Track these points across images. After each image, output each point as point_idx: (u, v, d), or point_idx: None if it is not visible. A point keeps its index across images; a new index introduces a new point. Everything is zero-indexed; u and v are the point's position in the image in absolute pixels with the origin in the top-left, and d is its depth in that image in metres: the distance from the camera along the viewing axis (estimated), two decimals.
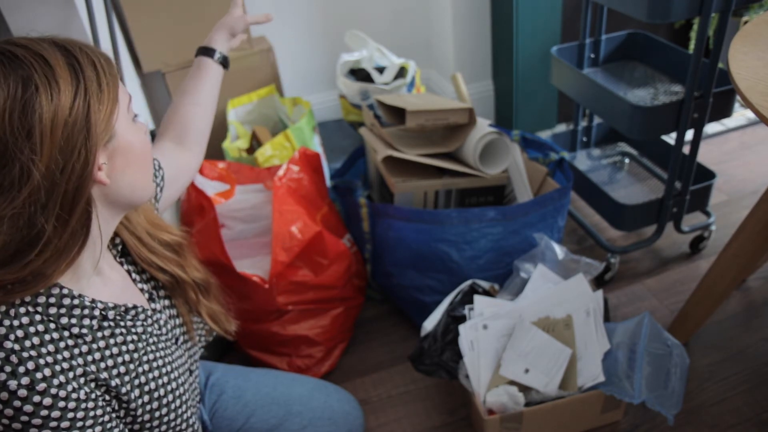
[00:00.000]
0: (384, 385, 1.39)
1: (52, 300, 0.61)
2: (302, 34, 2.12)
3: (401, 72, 1.78)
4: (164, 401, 0.71)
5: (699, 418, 1.24)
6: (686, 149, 1.44)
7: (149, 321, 0.73)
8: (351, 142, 2.04)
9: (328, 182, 1.55)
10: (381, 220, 1.37)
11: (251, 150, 1.71)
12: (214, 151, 1.76)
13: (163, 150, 0.93)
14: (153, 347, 0.72)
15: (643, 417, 1.25)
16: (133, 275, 0.76)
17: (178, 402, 0.73)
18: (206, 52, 0.99)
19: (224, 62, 1.01)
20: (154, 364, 0.71)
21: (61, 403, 0.58)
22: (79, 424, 0.60)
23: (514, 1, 1.83)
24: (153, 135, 1.62)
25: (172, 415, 0.73)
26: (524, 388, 1.14)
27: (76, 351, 0.62)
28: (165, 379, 0.72)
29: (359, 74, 1.81)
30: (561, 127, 2.18)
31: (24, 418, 0.56)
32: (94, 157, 0.58)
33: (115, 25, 1.38)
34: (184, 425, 0.75)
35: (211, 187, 1.37)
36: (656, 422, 1.24)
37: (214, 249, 1.24)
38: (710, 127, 2.13)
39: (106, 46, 1.33)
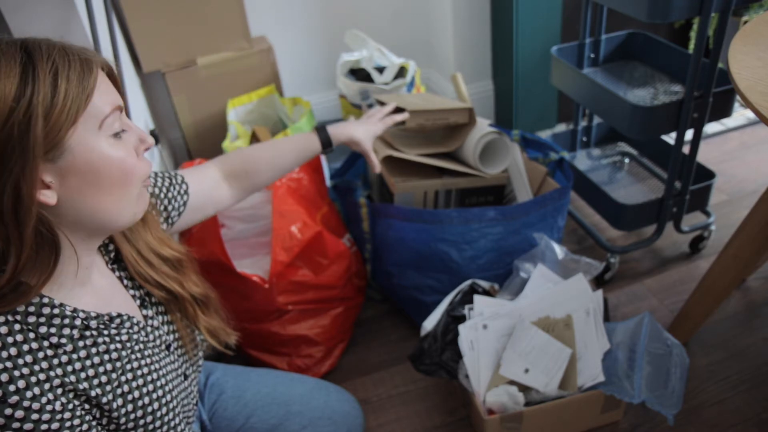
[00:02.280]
0: (384, 385, 1.39)
1: (32, 309, 0.60)
2: (302, 34, 2.12)
3: (401, 72, 1.78)
4: (149, 409, 0.69)
5: (699, 418, 1.24)
6: (686, 149, 1.44)
7: (135, 329, 0.71)
8: None
9: (328, 182, 1.55)
10: (381, 220, 1.37)
11: None
12: (214, 151, 1.76)
13: (205, 175, 0.94)
14: (138, 355, 0.70)
15: (643, 417, 1.25)
16: (125, 281, 0.74)
17: (164, 410, 0.72)
18: (326, 141, 1.11)
19: (327, 149, 1.12)
20: (138, 372, 0.69)
21: (34, 416, 0.57)
22: None
23: (514, 1, 1.83)
24: (153, 135, 1.64)
25: (158, 423, 0.71)
26: (524, 388, 1.14)
27: (55, 361, 0.61)
28: (150, 387, 0.70)
29: (359, 74, 1.81)
30: (561, 127, 2.18)
31: None
32: (30, 176, 0.54)
33: (115, 26, 1.38)
34: None
35: None
36: (656, 422, 1.24)
37: (214, 249, 1.24)
38: (710, 127, 2.13)
39: (106, 47, 1.33)
